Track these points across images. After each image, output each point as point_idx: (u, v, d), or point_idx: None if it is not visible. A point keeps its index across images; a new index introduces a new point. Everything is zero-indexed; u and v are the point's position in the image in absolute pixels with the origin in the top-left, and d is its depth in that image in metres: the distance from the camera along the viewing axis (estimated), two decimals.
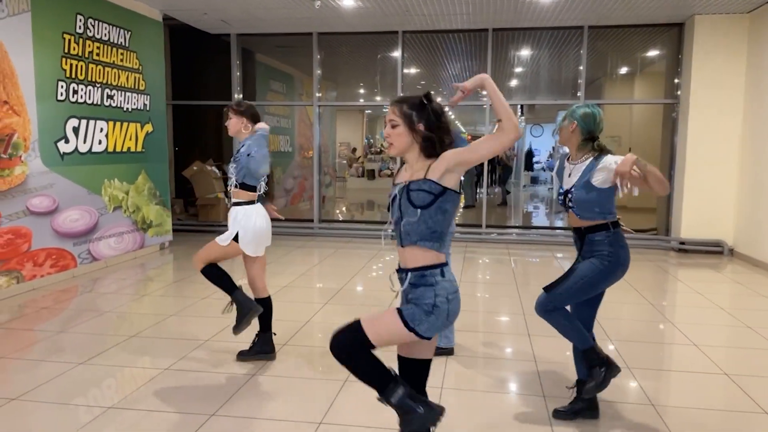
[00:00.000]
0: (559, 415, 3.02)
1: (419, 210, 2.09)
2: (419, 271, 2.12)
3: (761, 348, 4.22)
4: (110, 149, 6.80)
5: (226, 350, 4.01)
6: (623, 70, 12.16)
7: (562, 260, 7.62)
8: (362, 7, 7.54)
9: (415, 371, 2.26)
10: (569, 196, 2.86)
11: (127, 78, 7.04)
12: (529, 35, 9.25)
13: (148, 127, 7.53)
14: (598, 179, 2.75)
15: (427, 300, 2.08)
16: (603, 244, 2.79)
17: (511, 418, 3.08)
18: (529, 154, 20.91)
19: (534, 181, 21.70)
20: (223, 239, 3.65)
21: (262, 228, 3.70)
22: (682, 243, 8.13)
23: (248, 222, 3.63)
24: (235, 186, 3.65)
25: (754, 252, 7.37)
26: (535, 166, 22.15)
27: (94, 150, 6.52)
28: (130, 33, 7.04)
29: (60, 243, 6.01)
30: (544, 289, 2.87)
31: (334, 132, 16.23)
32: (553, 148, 20.49)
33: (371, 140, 23.93)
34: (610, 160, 2.73)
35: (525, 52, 10.53)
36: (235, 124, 3.64)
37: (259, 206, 3.71)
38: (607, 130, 10.69)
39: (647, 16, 7.85)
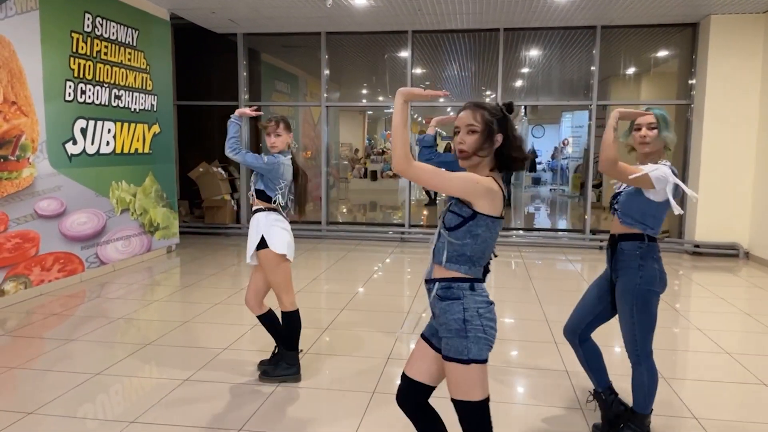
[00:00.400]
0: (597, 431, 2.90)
1: (448, 231, 1.97)
2: (446, 282, 1.99)
3: None
4: (118, 151, 6.66)
5: (246, 360, 3.88)
6: (630, 70, 12.06)
7: (564, 262, 7.51)
8: (374, 6, 7.41)
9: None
10: (617, 198, 2.74)
11: (135, 78, 6.89)
12: (539, 35, 9.13)
13: (156, 128, 7.39)
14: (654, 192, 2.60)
15: (455, 316, 1.94)
16: (634, 256, 2.65)
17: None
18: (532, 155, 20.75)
19: (536, 182, 21.57)
20: (252, 243, 3.45)
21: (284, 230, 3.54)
22: (697, 246, 8.02)
23: (272, 222, 3.47)
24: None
25: None
26: (537, 167, 22.02)
27: (101, 151, 6.37)
28: (138, 32, 6.90)
29: (68, 247, 5.86)
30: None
31: (337, 133, 16.10)
32: (556, 149, 20.38)
33: (372, 141, 23.81)
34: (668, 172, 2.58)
35: (534, 52, 10.41)
36: (284, 141, 3.46)
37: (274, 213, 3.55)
38: None
39: (662, 16, 7.74)
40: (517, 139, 1.98)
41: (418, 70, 11.83)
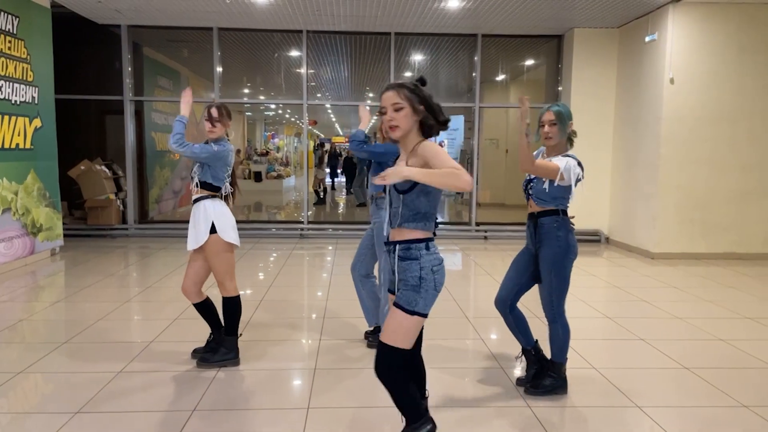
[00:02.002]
0: (521, 382, 3.35)
1: (401, 195, 2.26)
2: (405, 244, 2.29)
3: (653, 316, 4.92)
4: None
5: (179, 350, 3.88)
6: (502, 76, 13.14)
7: (457, 251, 8.14)
8: (272, 3, 7.50)
9: None
10: (531, 185, 3.20)
11: (15, 68, 6.41)
12: (426, 40, 9.71)
13: (37, 122, 6.90)
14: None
15: (413, 274, 2.25)
16: (552, 228, 3.14)
17: (483, 395, 3.35)
18: None
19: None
20: (205, 232, 3.47)
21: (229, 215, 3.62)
22: None
23: (217, 209, 3.53)
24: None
25: (626, 239, 8.42)
26: None
27: None
28: (18, 19, 6.42)
29: None
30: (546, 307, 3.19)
31: None
32: (441, 144, 21.40)
33: (251, 142, 23.44)
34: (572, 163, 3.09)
35: (420, 57, 11.02)
36: (222, 128, 3.51)
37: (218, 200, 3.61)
38: (487, 133, 11.53)
39: (533, 27, 8.64)
40: (435, 105, 2.30)
41: (311, 70, 12.00)
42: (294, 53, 10.11)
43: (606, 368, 3.68)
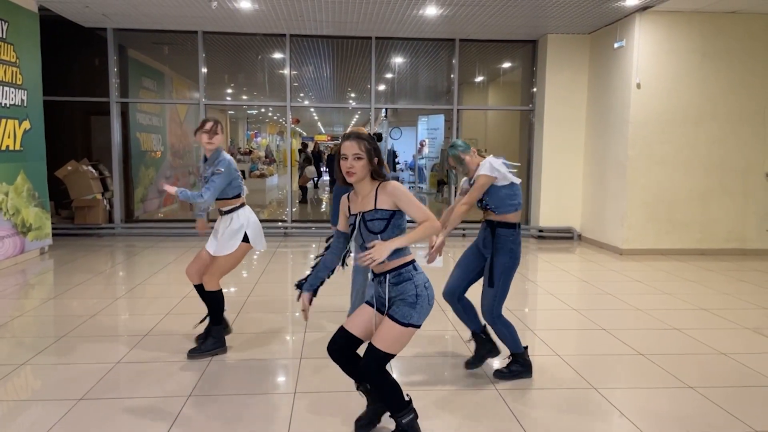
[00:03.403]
0: (470, 366, 3.68)
1: (378, 235, 2.54)
2: (395, 271, 2.57)
3: (616, 308, 5.28)
4: None
5: (170, 343, 4.13)
6: (480, 78, 13.50)
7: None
8: (257, 9, 7.73)
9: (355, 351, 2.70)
10: (485, 202, 3.55)
11: (5, 72, 6.57)
12: (406, 44, 10.01)
13: (26, 124, 7.06)
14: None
15: (410, 293, 2.55)
16: (508, 241, 3.47)
17: (457, 378, 3.66)
18: (392, 155, 21.85)
19: (396, 181, 22.76)
20: (231, 246, 3.77)
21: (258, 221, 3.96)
22: (541, 231, 9.41)
23: (250, 218, 3.86)
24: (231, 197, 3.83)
25: (597, 236, 8.81)
26: (398, 166, 23.28)
27: None
28: (7, 24, 6.58)
29: None
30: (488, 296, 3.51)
31: None
32: (422, 143, 21.71)
33: (235, 142, 23.56)
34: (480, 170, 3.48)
35: (401, 60, 11.32)
36: (220, 139, 3.79)
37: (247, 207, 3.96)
38: (465, 134, 11.83)
39: (509, 33, 8.98)
40: (381, 157, 2.62)
41: (294, 72, 12.23)
42: (277, 56, 10.33)
43: (569, 355, 4.01)
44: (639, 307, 5.28)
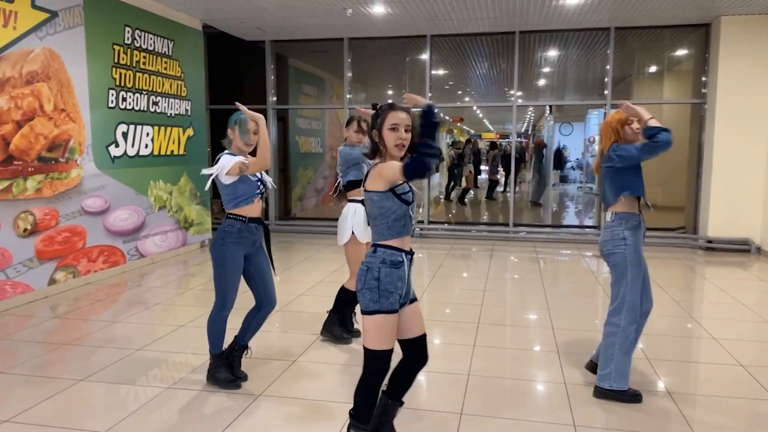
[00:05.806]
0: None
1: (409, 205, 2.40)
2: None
3: None
4: (155, 152, 7.22)
5: (266, 342, 4.33)
6: (651, 69, 12.18)
7: (590, 259, 7.78)
8: (391, 13, 7.81)
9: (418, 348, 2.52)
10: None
11: (171, 85, 7.45)
12: (555, 37, 9.40)
13: (190, 132, 7.94)
14: None
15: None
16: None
17: (532, 401, 3.32)
18: (558, 153, 20.63)
19: (563, 180, 21.56)
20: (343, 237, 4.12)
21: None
22: (710, 241, 8.19)
23: (357, 211, 4.07)
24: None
25: None
26: (566, 164, 21.98)
27: (141, 153, 6.94)
28: (173, 42, 7.45)
29: (111, 240, 6.44)
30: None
31: None
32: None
33: None
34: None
35: (552, 53, 10.67)
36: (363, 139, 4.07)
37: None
38: None
39: (673, 17, 7.94)
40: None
41: (441, 72, 12.21)
42: (422, 57, 10.35)
43: (692, 395, 3.41)
44: None
